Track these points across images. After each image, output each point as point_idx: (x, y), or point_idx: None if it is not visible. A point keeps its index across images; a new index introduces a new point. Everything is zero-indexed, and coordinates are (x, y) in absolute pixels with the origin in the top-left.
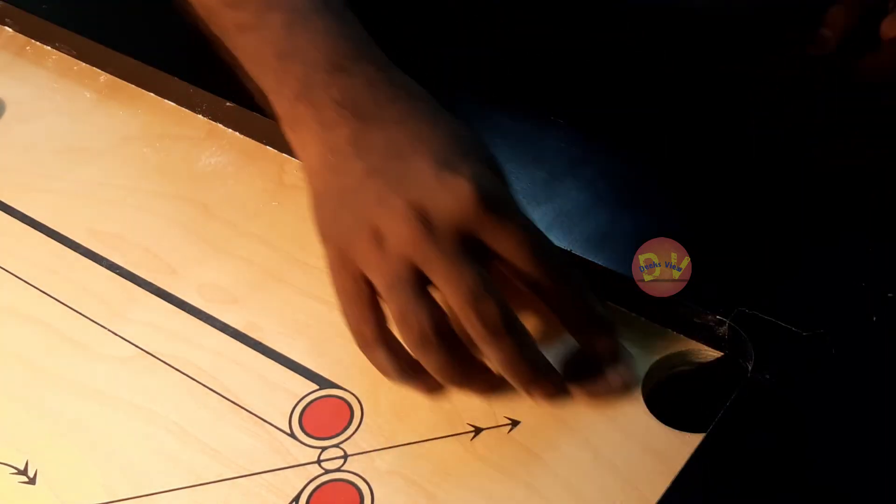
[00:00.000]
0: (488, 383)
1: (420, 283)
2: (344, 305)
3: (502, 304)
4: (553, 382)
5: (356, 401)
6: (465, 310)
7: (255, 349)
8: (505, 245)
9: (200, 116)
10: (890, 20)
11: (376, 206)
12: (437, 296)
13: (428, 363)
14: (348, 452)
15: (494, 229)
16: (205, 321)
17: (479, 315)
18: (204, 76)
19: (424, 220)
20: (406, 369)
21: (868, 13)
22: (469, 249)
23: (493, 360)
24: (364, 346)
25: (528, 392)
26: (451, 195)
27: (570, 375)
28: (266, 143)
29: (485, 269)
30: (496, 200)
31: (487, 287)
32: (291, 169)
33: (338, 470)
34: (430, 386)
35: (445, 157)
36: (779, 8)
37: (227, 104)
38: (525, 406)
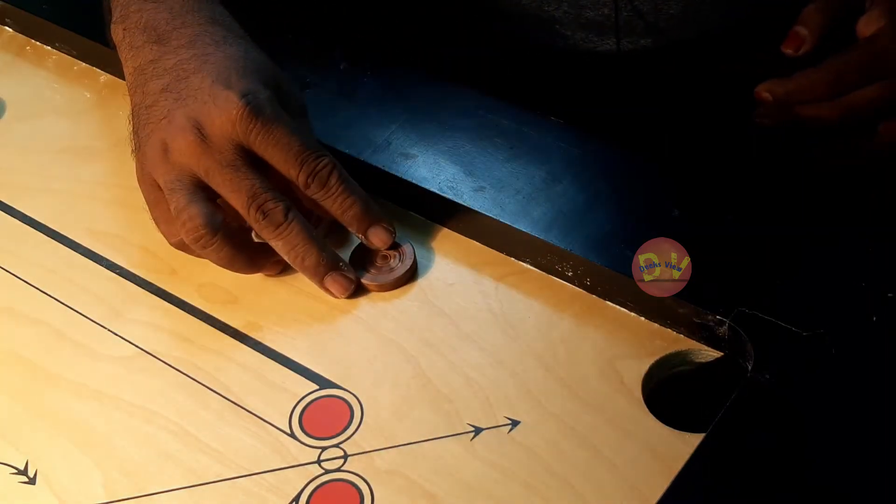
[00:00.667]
0: (280, 265)
1: (197, 187)
2: (150, 210)
3: (280, 200)
4: (344, 275)
5: (356, 401)
6: (247, 211)
7: (255, 349)
8: (271, 154)
9: None
10: (866, 18)
11: (163, 120)
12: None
13: (209, 257)
14: (348, 452)
15: (261, 141)
16: (205, 321)
17: (261, 212)
18: None
19: (200, 133)
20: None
21: (844, 12)
22: (246, 158)
23: (282, 254)
24: (173, 244)
25: (323, 286)
26: (221, 109)
27: (359, 268)
28: None
29: (262, 175)
30: (261, 114)
31: (264, 187)
32: None
33: (338, 470)
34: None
35: (221, 76)
36: (777, 8)
37: None
38: (525, 406)
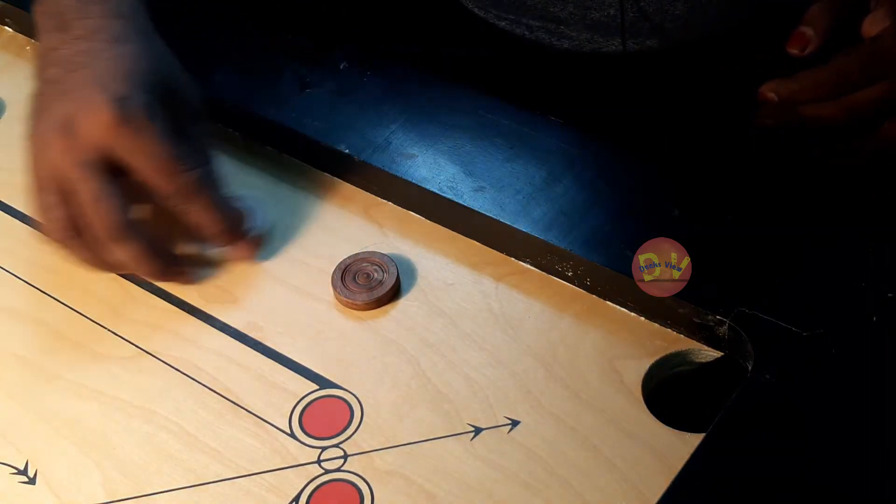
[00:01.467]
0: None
1: (61, 187)
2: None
3: (114, 210)
4: (178, 273)
5: (356, 401)
6: (87, 216)
7: (255, 349)
8: (134, 161)
9: None
10: (871, 18)
11: (44, 112)
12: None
13: (77, 255)
14: (348, 452)
15: (126, 148)
16: (205, 321)
17: (99, 219)
18: (203, 76)
19: (69, 133)
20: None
21: (848, 12)
22: (104, 162)
23: (121, 258)
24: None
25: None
26: (92, 112)
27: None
28: (265, 143)
29: (115, 181)
30: (130, 122)
31: (101, 194)
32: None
33: (338, 470)
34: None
35: (103, 76)
36: (781, 8)
37: (227, 104)
38: (525, 406)
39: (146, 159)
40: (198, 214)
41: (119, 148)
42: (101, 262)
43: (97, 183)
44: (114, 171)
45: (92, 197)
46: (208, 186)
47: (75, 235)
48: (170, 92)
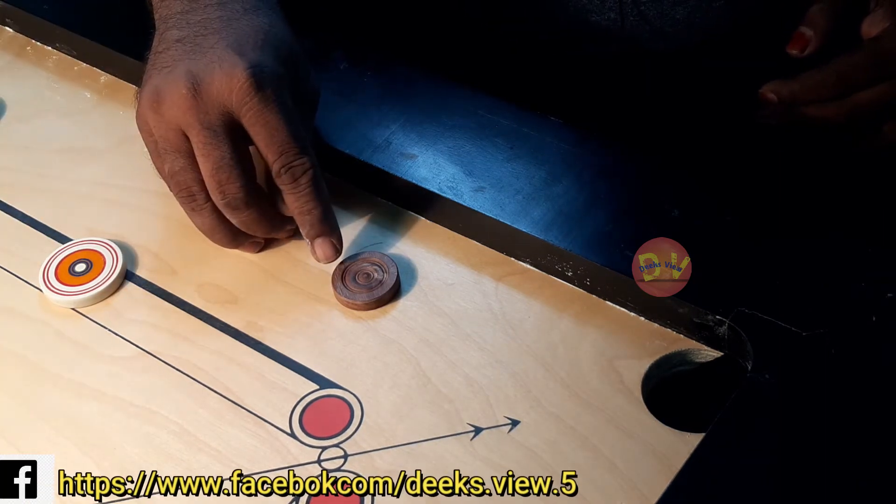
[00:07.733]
0: (259, 245)
1: (186, 149)
2: (151, 157)
3: (242, 186)
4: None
5: (356, 401)
6: (209, 181)
7: (255, 349)
8: (256, 132)
9: None
10: (871, 19)
11: (165, 69)
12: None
13: (194, 220)
14: (348, 452)
15: (251, 116)
16: (205, 321)
17: (219, 188)
18: None
19: (194, 89)
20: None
21: (849, 13)
22: (227, 127)
23: (235, 223)
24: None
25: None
26: (224, 75)
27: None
28: None
29: (237, 149)
30: (261, 91)
31: (231, 162)
32: None
33: (338, 470)
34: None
35: (237, 42)
36: (782, 10)
37: None
38: (525, 406)
39: (267, 132)
40: (300, 197)
41: (245, 114)
42: (225, 232)
43: (223, 150)
44: (234, 135)
45: (217, 166)
46: (314, 173)
47: (202, 201)
48: (295, 71)
